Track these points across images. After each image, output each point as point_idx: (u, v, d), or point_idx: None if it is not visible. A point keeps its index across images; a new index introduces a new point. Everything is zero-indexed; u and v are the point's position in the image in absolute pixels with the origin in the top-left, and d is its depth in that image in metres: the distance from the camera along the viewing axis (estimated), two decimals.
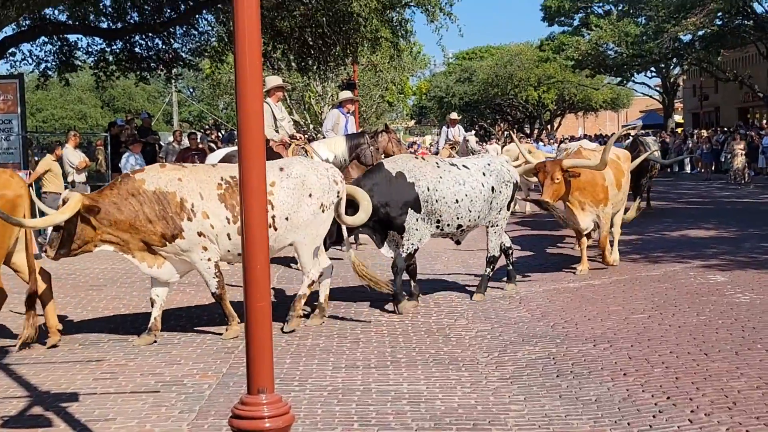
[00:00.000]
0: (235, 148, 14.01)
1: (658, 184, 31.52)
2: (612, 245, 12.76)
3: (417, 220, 9.78)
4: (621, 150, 13.66)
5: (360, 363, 7.74)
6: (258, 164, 4.47)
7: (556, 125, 68.92)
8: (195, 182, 8.58)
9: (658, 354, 7.72)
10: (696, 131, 43.54)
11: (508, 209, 10.79)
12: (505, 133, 53.78)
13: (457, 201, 10.00)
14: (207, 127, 46.53)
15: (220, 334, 8.85)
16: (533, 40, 69.24)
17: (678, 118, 65.06)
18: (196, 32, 24.39)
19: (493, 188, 10.37)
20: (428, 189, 9.80)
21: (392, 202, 9.68)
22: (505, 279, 11.18)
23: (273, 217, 8.62)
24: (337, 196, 9.21)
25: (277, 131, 13.26)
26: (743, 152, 31.35)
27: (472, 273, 12.18)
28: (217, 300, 8.84)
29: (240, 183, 4.52)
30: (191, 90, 74.44)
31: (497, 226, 10.59)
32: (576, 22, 59.92)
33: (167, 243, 8.47)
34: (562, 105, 67.79)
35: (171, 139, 24.12)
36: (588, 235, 12.56)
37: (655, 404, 6.37)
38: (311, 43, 22.50)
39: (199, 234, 8.52)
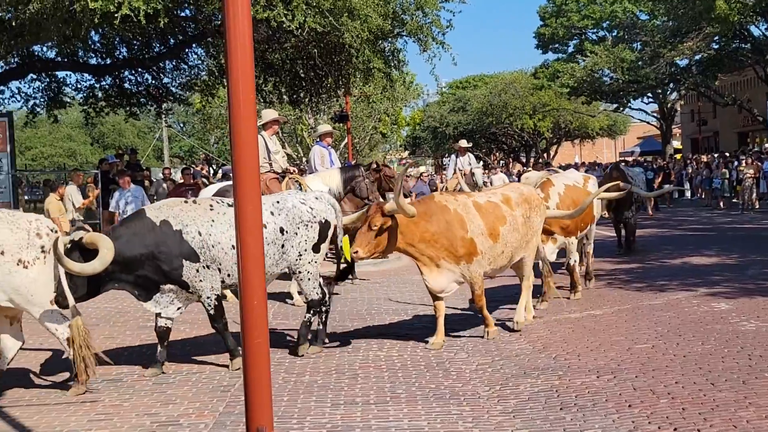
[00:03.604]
0: (228, 183, 14.00)
1: (660, 211, 31.52)
2: (519, 303, 10.75)
3: (197, 270, 8.71)
4: (523, 188, 11.06)
5: (359, 399, 7.60)
6: (253, 199, 4.37)
7: (552, 153, 69.00)
8: None
9: (663, 384, 7.58)
10: (695, 157, 43.47)
11: (316, 251, 9.42)
12: (501, 162, 53.89)
13: (233, 247, 8.55)
14: (195, 162, 46.51)
15: (216, 372, 8.73)
16: (527, 68, 69.53)
17: (676, 143, 65.19)
18: (185, 66, 24.38)
19: (282, 229, 9.16)
20: (200, 234, 8.71)
21: (160, 254, 8.60)
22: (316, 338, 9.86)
23: None
24: (42, 250, 7.92)
25: (270, 164, 13.18)
26: (753, 177, 31.21)
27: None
28: None
29: (235, 218, 4.43)
30: (182, 125, 74.63)
31: (303, 272, 9.36)
32: (570, 49, 60.14)
33: None
34: (558, 133, 67.93)
35: (161, 175, 24.05)
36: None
37: None
38: (303, 75, 22.49)
39: None
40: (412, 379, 8.26)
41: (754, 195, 31.29)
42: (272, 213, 9.16)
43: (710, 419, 6.52)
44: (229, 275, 8.87)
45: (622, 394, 7.38)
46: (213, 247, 8.74)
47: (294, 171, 14.12)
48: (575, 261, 12.48)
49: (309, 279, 9.43)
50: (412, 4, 19.45)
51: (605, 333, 10.00)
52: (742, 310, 10.92)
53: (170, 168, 26.01)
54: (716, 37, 41.79)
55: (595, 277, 14.06)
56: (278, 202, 9.36)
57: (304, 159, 38.73)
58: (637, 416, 6.72)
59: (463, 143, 21.40)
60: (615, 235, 18.55)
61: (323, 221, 9.48)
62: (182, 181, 19.91)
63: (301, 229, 9.27)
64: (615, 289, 13.31)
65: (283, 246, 9.18)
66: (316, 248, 9.42)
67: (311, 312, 9.62)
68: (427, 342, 9.72)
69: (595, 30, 59.02)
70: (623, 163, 27.89)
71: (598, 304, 12.05)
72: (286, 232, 9.19)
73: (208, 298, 8.85)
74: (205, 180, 23.45)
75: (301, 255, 9.29)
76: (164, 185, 22.37)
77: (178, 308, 8.96)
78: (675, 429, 6.35)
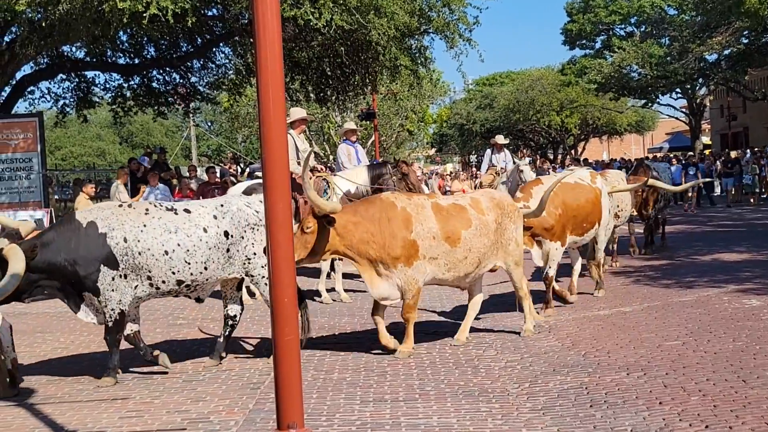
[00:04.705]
0: (256, 180, 14.05)
1: (700, 207, 31.29)
2: (524, 311, 10.14)
3: (113, 278, 8.32)
4: (495, 193, 10.47)
5: (388, 396, 7.60)
6: (283, 196, 4.39)
7: (579, 150, 68.67)
8: None
9: (694, 382, 7.53)
10: (724, 152, 43.06)
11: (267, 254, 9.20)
12: (528, 159, 53.64)
13: (166, 252, 8.45)
14: (222, 160, 46.75)
15: (246, 369, 8.77)
16: (554, 64, 69.40)
17: (705, 139, 64.66)
18: (213, 65, 24.53)
19: (227, 233, 8.75)
20: (125, 240, 8.33)
21: (80, 258, 8.25)
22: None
23: None
24: None
25: (299, 163, 13.20)
26: None
27: (500, 303, 12.04)
28: None
29: (266, 215, 4.46)
30: (209, 124, 75.07)
31: (256, 276, 8.94)
32: (598, 45, 59.84)
33: None
34: (586, 129, 67.52)
35: (187, 174, 24.20)
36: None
37: None
38: (330, 73, 22.53)
39: None
40: (440, 376, 8.25)
41: None
42: (215, 217, 8.82)
43: (742, 416, 6.47)
44: (164, 282, 8.55)
45: (653, 391, 7.33)
46: (140, 254, 8.38)
47: (322, 169, 14.14)
48: (554, 273, 11.28)
49: (267, 284, 9.02)
50: (439, 1, 19.44)
51: (635, 330, 9.95)
52: None
53: (196, 166, 26.09)
54: (746, 32, 41.44)
55: (625, 274, 13.97)
56: (222, 205, 8.99)
57: (331, 157, 38.86)
58: (668, 413, 6.68)
59: (500, 139, 20.12)
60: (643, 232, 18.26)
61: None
62: (208, 179, 20.00)
63: (247, 233, 8.89)
64: (644, 286, 13.24)
65: (228, 250, 8.80)
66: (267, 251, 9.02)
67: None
68: (452, 344, 9.70)
69: (622, 25, 58.68)
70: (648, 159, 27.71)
71: (627, 300, 11.99)
72: (232, 236, 8.79)
73: (112, 309, 8.39)
74: (233, 179, 23.55)
75: (249, 259, 8.89)
76: (192, 184, 22.46)
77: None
78: (706, 426, 6.31)
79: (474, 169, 45.95)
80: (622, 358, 8.60)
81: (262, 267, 8.87)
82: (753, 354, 8.40)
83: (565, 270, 12.59)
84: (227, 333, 9.30)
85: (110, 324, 8.45)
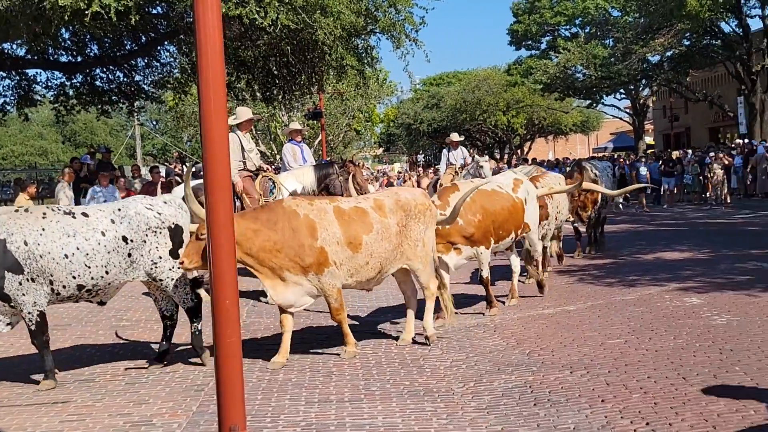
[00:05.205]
0: (199, 181, 13.93)
1: (647, 206, 31.71)
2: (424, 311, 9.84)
3: (20, 283, 8.13)
4: (402, 195, 9.83)
5: (333, 397, 7.58)
6: (225, 198, 4.36)
7: (525, 150, 69.24)
8: None
9: (635, 379, 7.62)
10: (666, 152, 43.71)
11: (175, 257, 8.77)
12: (487, 156, 53.91)
13: (66, 256, 8.25)
14: (168, 160, 46.38)
15: (190, 371, 8.70)
16: (501, 65, 69.93)
17: (649, 139, 65.65)
18: (158, 64, 24.23)
19: (125, 237, 8.56)
20: (26, 243, 8.13)
21: None
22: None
23: None
24: None
25: (244, 163, 13.11)
26: (722, 170, 31.54)
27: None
28: None
29: (207, 217, 4.41)
30: (154, 123, 74.43)
31: (165, 280, 8.82)
32: (543, 46, 60.48)
33: None
34: (532, 129, 68.11)
35: (130, 174, 23.95)
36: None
37: (635, 430, 6.26)
38: (276, 72, 22.43)
39: None
40: (386, 376, 8.26)
41: (725, 190, 31.60)
42: (113, 221, 8.60)
43: (682, 413, 6.55)
44: (64, 287, 8.35)
45: (595, 389, 7.41)
46: (41, 257, 8.18)
47: (268, 169, 14.07)
48: (487, 274, 11.21)
49: (176, 286, 8.89)
50: (385, 1, 19.45)
51: (578, 328, 10.03)
52: (714, 304, 10.98)
53: (140, 166, 25.83)
54: (687, 34, 42.14)
55: (569, 273, 14.10)
56: (120, 209, 8.76)
57: (277, 156, 38.76)
58: (610, 411, 6.74)
59: (455, 136, 20.21)
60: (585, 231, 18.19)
61: (173, 226, 8.86)
62: (151, 179, 19.84)
63: (149, 236, 8.72)
64: (588, 285, 13.38)
65: (130, 255, 8.60)
66: (174, 254, 8.83)
67: (194, 320, 8.99)
68: (397, 339, 9.75)
69: (567, 26, 59.33)
70: (593, 159, 27.97)
71: (571, 299, 12.09)
72: (131, 240, 8.59)
73: (29, 313, 8.25)
74: (177, 178, 23.34)
75: (155, 263, 8.74)
76: (136, 184, 22.25)
77: (8, 324, 8.41)
78: (647, 423, 6.38)
79: (420, 168, 46.12)
80: (565, 356, 8.68)
81: (170, 270, 8.80)
82: (693, 351, 8.51)
83: (506, 273, 12.65)
84: (168, 333, 9.20)
85: (32, 327, 8.30)
